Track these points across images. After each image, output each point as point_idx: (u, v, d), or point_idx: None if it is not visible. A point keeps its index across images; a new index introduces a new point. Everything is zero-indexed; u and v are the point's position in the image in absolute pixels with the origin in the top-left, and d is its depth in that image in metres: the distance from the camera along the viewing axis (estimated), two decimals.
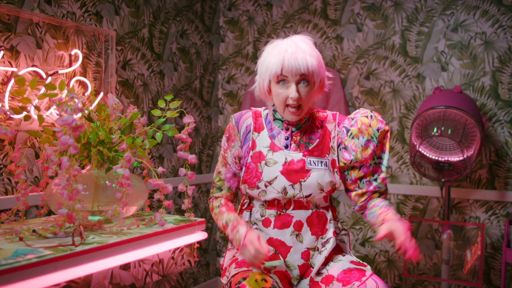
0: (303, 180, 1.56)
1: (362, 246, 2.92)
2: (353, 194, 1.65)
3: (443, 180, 2.41)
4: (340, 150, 1.63)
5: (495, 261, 2.62)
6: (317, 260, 1.58)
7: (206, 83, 3.24)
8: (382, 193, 1.65)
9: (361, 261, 1.59)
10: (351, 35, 2.95)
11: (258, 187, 1.58)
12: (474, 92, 2.65)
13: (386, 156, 1.64)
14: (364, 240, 2.91)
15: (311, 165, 1.58)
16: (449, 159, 2.40)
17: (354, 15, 2.93)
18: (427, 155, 2.42)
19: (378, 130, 1.61)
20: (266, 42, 3.21)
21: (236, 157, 1.65)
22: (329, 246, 1.59)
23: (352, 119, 1.64)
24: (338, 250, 1.66)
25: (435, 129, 2.34)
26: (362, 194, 1.64)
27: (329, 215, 1.63)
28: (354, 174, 1.63)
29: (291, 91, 1.52)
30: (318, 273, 1.57)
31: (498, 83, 2.60)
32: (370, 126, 1.60)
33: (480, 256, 2.43)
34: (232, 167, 1.65)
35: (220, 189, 1.68)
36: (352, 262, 1.57)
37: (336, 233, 1.65)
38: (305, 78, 1.53)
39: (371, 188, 1.63)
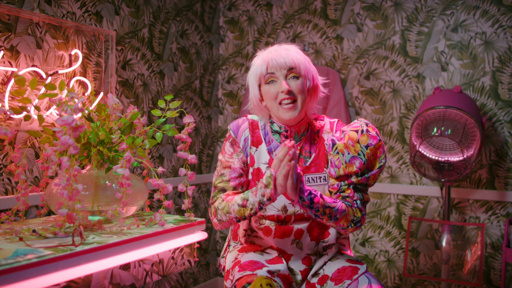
0: None
1: (362, 246, 2.92)
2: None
3: (443, 180, 2.41)
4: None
5: (495, 261, 2.62)
6: (317, 263, 1.58)
7: (206, 83, 3.24)
8: (349, 197, 1.49)
9: (358, 259, 1.59)
10: (351, 35, 2.95)
11: None
12: (474, 92, 2.64)
13: (368, 173, 1.50)
14: (364, 240, 2.91)
15: (309, 182, 1.52)
16: (449, 159, 2.39)
17: (354, 15, 2.93)
18: (427, 155, 2.42)
19: (367, 146, 1.47)
20: (266, 42, 3.21)
21: (244, 162, 1.58)
22: (331, 253, 1.59)
23: (343, 131, 1.52)
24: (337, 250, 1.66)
25: (435, 129, 2.34)
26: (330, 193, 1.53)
27: None
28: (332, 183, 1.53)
29: (281, 85, 1.47)
30: (316, 273, 1.58)
31: (498, 83, 2.60)
32: (358, 142, 1.47)
33: (480, 256, 2.43)
34: (238, 170, 1.57)
35: (223, 190, 1.55)
36: (348, 260, 1.57)
37: (336, 237, 1.65)
38: (293, 72, 1.48)
39: (335, 186, 1.51)
